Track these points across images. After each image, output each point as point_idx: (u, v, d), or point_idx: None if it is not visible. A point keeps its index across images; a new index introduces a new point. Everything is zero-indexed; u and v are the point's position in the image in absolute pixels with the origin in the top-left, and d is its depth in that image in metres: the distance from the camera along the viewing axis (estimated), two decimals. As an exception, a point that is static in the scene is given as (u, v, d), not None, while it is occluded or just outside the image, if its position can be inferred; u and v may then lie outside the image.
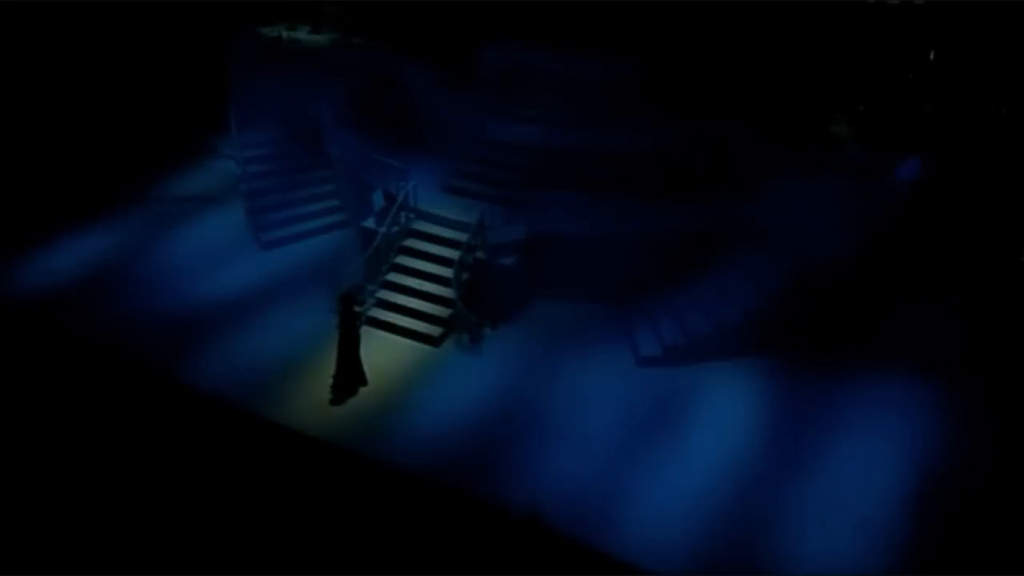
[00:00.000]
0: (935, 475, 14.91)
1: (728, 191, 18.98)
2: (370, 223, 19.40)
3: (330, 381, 16.66)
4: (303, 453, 15.28)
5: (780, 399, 16.71)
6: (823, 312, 17.56)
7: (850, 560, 13.49)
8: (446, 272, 18.57)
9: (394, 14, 21.59)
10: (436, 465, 15.09)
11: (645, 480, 14.90)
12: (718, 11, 20.11)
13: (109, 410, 15.83)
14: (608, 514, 14.23)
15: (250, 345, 17.76)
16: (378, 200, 19.70)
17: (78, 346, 17.47)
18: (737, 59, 19.96)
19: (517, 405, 16.51)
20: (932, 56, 18.36)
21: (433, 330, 18.26)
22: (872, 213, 18.00)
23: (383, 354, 17.69)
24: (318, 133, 21.34)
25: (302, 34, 22.28)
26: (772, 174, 19.02)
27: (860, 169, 18.52)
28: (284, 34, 22.05)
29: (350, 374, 16.79)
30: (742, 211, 18.56)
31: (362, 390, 16.77)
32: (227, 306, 18.90)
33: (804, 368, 17.29)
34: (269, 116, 21.34)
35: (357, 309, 16.65)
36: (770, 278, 17.68)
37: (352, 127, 21.07)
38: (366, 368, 16.93)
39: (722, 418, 16.27)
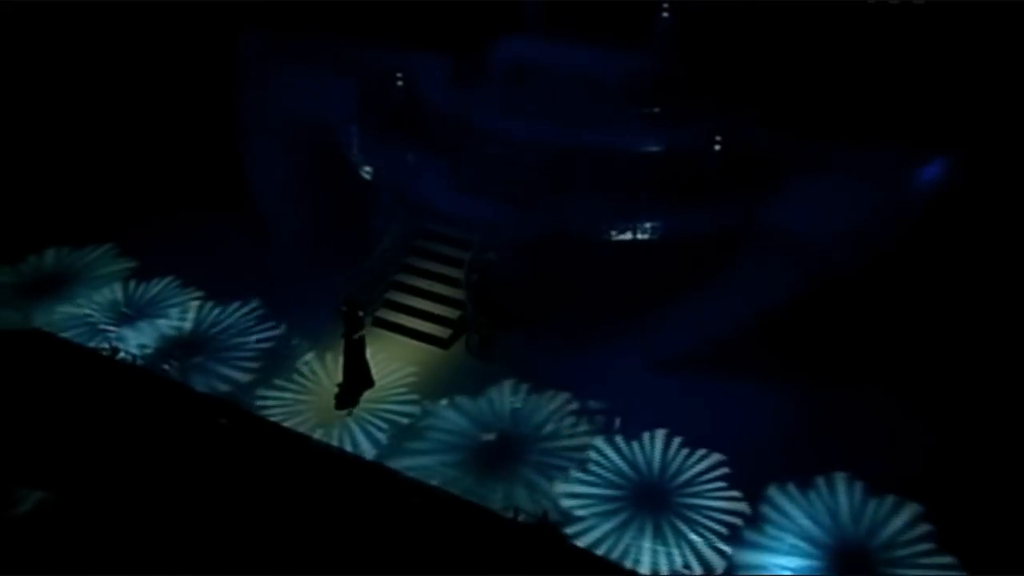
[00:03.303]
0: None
1: (745, 191, 18.60)
2: (380, 223, 19.26)
3: (335, 388, 16.73)
4: (307, 456, 15.20)
5: (789, 406, 16.55)
6: (836, 317, 17.22)
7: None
8: (456, 273, 18.42)
9: (405, 9, 21.32)
10: (443, 469, 15.06)
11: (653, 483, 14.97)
12: (735, 7, 19.76)
13: (117, 414, 15.80)
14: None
15: (253, 346, 17.89)
16: (388, 199, 19.47)
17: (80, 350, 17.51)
18: (755, 54, 19.60)
19: (525, 408, 16.42)
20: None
21: (442, 332, 18.16)
22: (893, 216, 17.63)
23: (391, 355, 17.69)
24: (328, 131, 21.18)
25: None
26: (791, 173, 18.65)
27: (880, 170, 18.14)
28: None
29: (357, 378, 16.82)
30: (759, 211, 18.15)
31: (368, 392, 16.77)
32: (230, 306, 18.98)
33: (814, 375, 17.03)
34: (278, 116, 21.19)
35: (360, 313, 16.67)
36: (786, 281, 17.27)
37: (362, 125, 20.95)
38: (372, 370, 16.98)
39: (731, 425, 16.09)
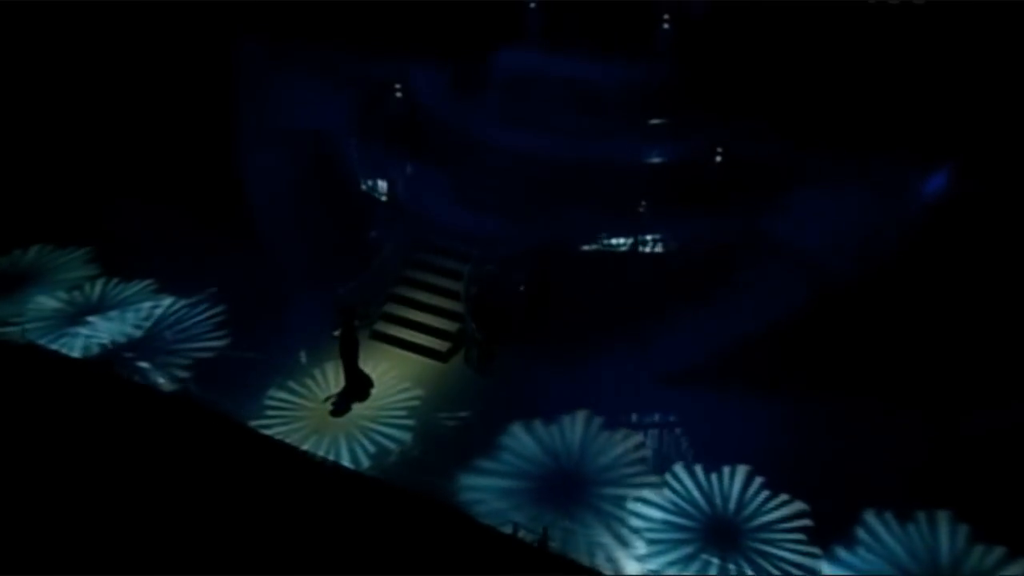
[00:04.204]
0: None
1: (747, 201, 18.60)
2: (378, 234, 19.15)
3: (334, 396, 16.76)
4: (302, 468, 14.87)
5: (794, 420, 16.36)
6: (840, 331, 17.09)
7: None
8: (455, 286, 18.27)
9: (404, 18, 21.30)
10: (441, 484, 14.96)
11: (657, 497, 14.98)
12: (736, 14, 19.74)
13: (117, 422, 15.56)
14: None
15: (252, 353, 17.78)
16: (387, 210, 19.42)
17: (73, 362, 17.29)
18: (756, 65, 19.54)
19: (526, 421, 16.30)
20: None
21: (441, 345, 18.00)
22: (896, 228, 17.52)
23: (389, 368, 17.53)
24: (327, 142, 21.17)
25: None
26: (792, 184, 18.61)
27: (883, 180, 18.06)
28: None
29: (353, 386, 16.80)
30: (761, 222, 18.23)
31: (364, 403, 16.73)
32: (227, 311, 18.93)
33: (819, 387, 16.73)
34: (276, 126, 21.23)
35: (356, 323, 16.65)
36: (789, 292, 17.32)
37: (361, 136, 20.86)
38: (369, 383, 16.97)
39: (736, 440, 15.93)
